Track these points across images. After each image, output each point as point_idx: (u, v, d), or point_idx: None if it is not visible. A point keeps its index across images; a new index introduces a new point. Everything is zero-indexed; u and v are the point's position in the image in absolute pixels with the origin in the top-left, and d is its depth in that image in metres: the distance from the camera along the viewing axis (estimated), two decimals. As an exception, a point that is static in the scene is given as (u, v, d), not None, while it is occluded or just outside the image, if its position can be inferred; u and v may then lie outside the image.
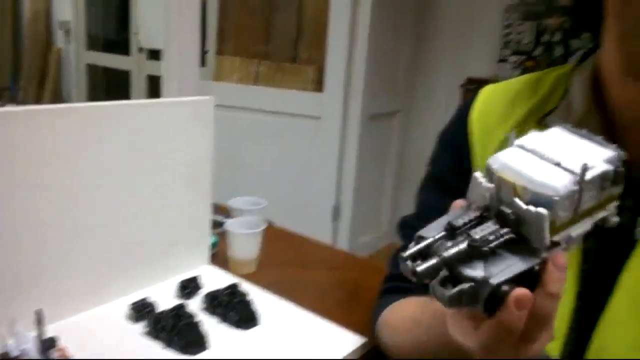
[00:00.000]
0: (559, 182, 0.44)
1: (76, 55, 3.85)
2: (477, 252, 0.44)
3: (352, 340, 0.91)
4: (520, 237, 0.45)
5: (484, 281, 0.43)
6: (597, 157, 0.47)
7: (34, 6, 3.95)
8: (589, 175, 0.44)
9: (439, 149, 0.80)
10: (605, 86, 0.66)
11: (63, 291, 0.89)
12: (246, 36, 2.96)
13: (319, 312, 1.00)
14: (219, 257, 1.20)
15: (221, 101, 2.77)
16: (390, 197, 3.12)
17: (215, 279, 1.07)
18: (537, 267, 0.44)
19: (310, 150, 2.73)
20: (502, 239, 0.44)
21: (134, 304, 0.93)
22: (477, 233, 0.44)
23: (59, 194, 0.84)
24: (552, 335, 0.47)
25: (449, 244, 0.44)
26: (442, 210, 0.49)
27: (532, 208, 0.43)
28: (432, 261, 0.43)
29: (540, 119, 0.68)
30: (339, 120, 2.66)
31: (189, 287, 1.02)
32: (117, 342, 0.87)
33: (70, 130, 0.83)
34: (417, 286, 0.69)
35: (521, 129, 0.71)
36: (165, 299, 0.98)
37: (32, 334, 0.78)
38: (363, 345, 0.91)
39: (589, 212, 0.47)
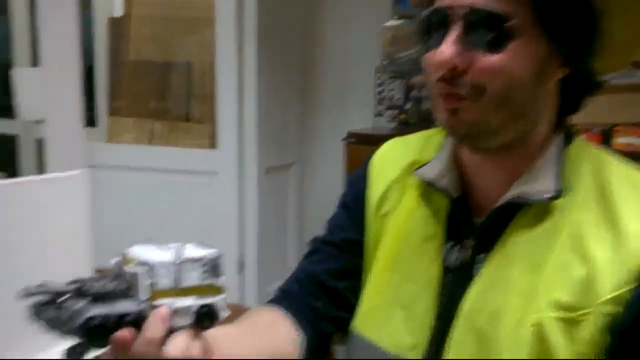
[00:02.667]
0: (160, 257, 0.59)
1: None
2: (83, 293, 0.56)
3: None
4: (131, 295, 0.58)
5: (77, 311, 0.54)
6: (202, 251, 0.62)
7: None
8: (186, 254, 0.60)
9: (346, 189, 0.93)
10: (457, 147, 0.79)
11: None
12: (138, 96, 2.99)
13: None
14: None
15: (115, 162, 2.79)
16: (294, 245, 3.20)
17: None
18: (133, 316, 0.56)
19: (208, 206, 2.77)
20: (105, 289, 0.57)
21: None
22: (92, 282, 0.57)
23: None
24: None
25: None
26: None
27: (131, 269, 0.58)
28: (44, 288, 0.55)
29: (415, 169, 0.80)
30: (235, 175, 2.74)
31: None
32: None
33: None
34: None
35: (404, 175, 0.83)
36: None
37: None
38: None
39: (192, 291, 0.60)
